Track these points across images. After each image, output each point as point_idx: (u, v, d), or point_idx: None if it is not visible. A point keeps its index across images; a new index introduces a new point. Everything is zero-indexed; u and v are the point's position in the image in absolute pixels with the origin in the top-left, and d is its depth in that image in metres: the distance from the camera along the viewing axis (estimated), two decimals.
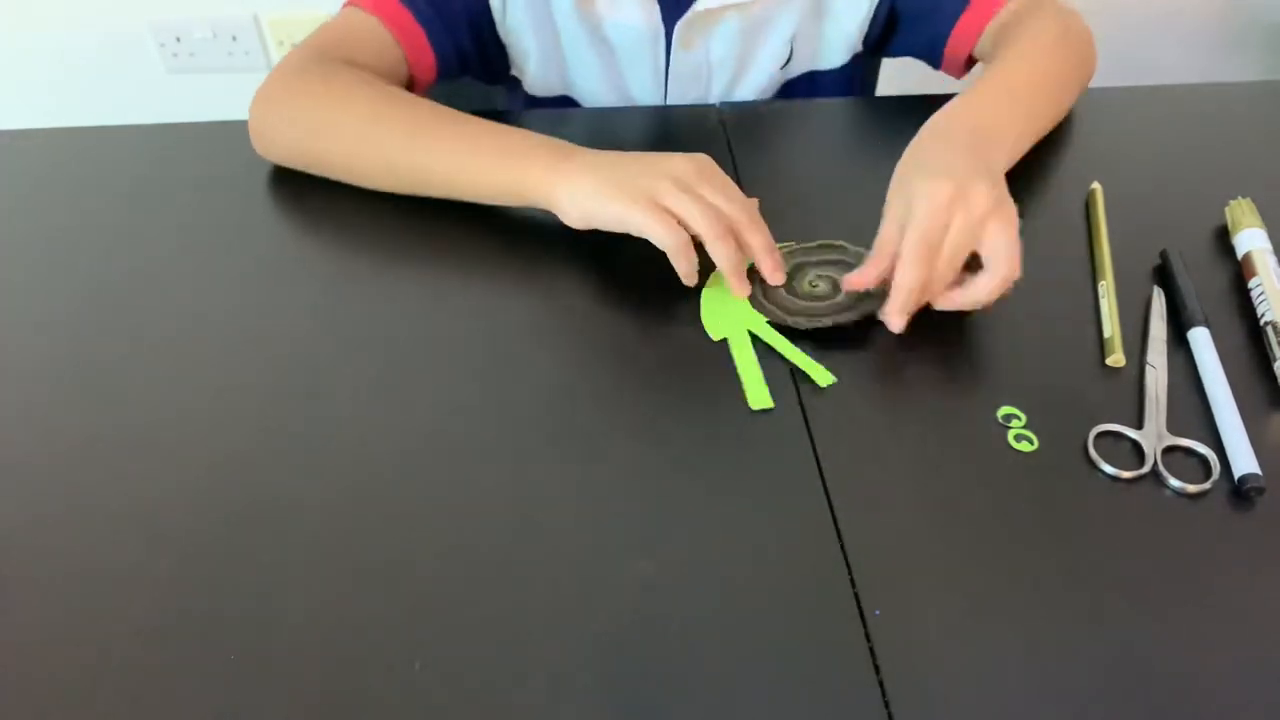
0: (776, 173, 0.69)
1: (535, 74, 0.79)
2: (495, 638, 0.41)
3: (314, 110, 0.65)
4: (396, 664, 0.40)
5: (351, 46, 0.69)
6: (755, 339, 0.54)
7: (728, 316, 0.56)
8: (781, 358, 0.53)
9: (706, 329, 0.55)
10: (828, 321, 0.54)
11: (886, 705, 0.38)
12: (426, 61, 0.72)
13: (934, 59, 0.80)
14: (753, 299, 0.57)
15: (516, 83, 0.82)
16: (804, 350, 0.53)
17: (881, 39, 0.82)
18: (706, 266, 0.55)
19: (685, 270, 0.55)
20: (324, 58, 0.67)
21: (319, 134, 0.65)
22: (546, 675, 0.39)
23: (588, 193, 0.57)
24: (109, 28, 1.43)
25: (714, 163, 0.57)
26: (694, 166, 0.56)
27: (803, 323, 0.55)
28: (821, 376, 0.52)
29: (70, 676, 0.39)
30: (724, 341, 0.54)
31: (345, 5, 0.72)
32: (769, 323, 0.55)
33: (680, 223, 0.54)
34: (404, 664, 0.40)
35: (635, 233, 0.55)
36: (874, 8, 0.78)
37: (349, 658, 0.40)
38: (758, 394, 0.51)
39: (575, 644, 0.40)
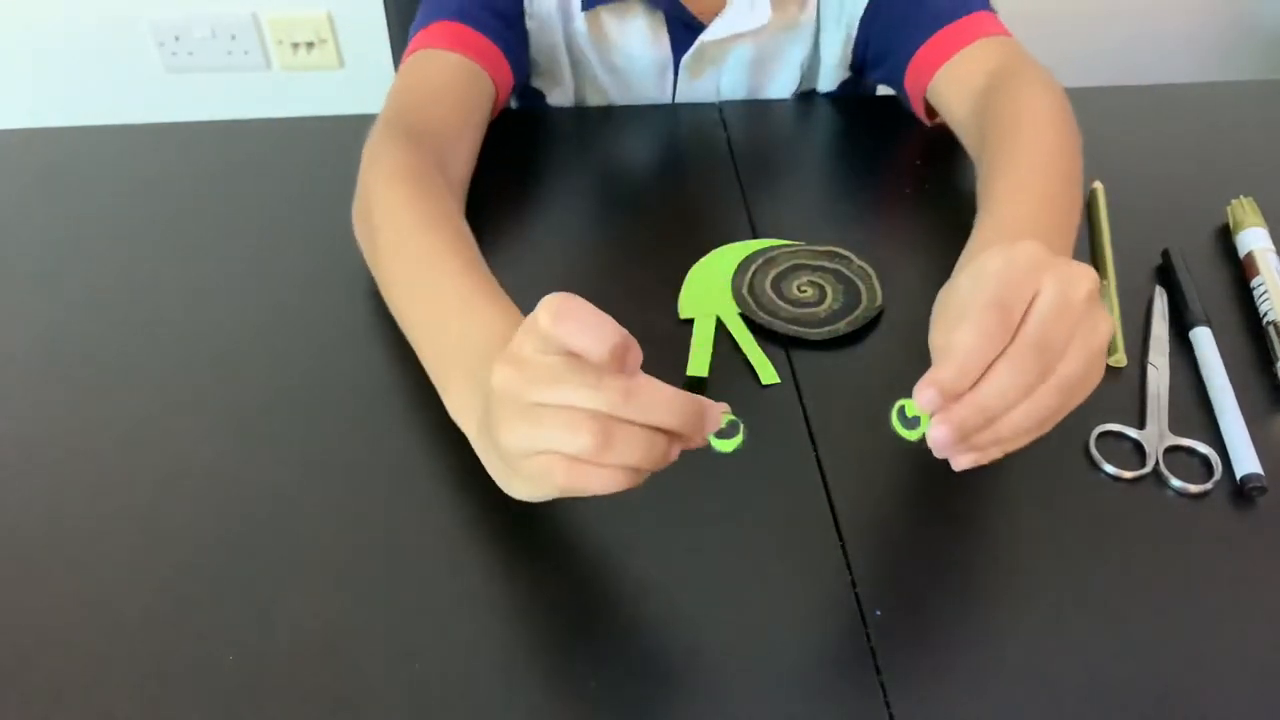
0: (777, 172, 0.69)
1: (556, 91, 0.80)
2: (495, 638, 0.41)
3: (368, 222, 0.56)
4: (396, 664, 0.40)
5: (436, 96, 0.65)
6: (720, 326, 0.55)
7: (704, 300, 0.56)
8: (738, 348, 0.54)
9: (679, 305, 0.56)
10: (816, 334, 0.54)
11: (887, 705, 0.38)
12: (507, 82, 0.71)
13: (900, 95, 0.75)
14: (736, 290, 0.57)
15: (537, 95, 0.82)
16: (764, 348, 0.54)
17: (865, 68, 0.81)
18: (700, 249, 0.55)
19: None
20: (409, 131, 0.60)
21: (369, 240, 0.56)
22: (546, 675, 0.39)
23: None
24: (109, 27, 1.43)
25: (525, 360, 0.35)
26: (517, 432, 0.35)
27: (779, 325, 0.54)
28: (767, 374, 0.52)
29: (70, 677, 0.39)
30: (720, 340, 0.54)
31: (412, 50, 0.68)
32: (740, 314, 0.55)
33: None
34: (404, 664, 0.40)
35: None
36: (850, 43, 0.77)
37: (348, 657, 0.40)
38: (698, 364, 0.52)
39: (575, 644, 0.40)
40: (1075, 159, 0.57)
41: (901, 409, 0.37)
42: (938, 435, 0.36)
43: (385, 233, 0.54)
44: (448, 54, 0.67)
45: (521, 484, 0.39)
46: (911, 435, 0.37)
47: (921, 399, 0.36)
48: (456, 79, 0.67)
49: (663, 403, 0.34)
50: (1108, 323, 0.38)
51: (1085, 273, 0.37)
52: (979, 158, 0.60)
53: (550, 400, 0.34)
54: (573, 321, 0.33)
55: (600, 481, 0.34)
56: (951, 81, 0.67)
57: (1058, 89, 0.61)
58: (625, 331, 0.33)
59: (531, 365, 0.35)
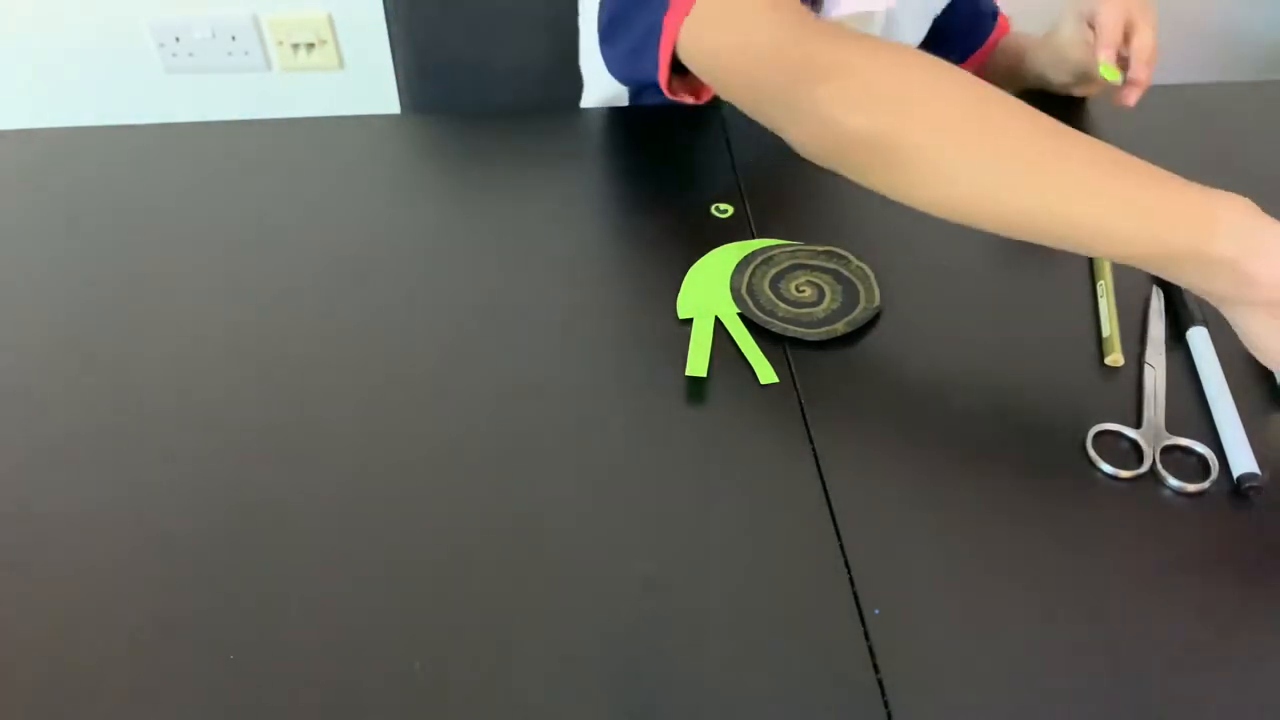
0: (777, 173, 0.69)
1: None
2: (495, 638, 0.41)
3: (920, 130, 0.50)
4: (396, 664, 0.40)
5: None
6: (719, 326, 0.55)
7: (702, 300, 0.56)
8: (737, 348, 0.54)
9: (678, 305, 0.56)
10: (814, 334, 0.54)
11: (886, 705, 0.38)
12: None
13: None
14: (734, 290, 0.57)
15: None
16: (763, 348, 0.54)
17: None
18: (700, 249, 0.55)
19: None
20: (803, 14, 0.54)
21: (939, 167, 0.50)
22: (546, 675, 0.39)
23: None
24: (108, 28, 1.43)
25: None
26: None
27: (777, 325, 0.55)
28: (765, 374, 0.52)
29: (69, 677, 0.39)
30: (717, 340, 0.54)
31: None
32: (739, 314, 0.56)
33: None
34: (404, 664, 0.40)
35: None
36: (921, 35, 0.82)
37: (349, 657, 0.40)
38: (697, 364, 0.52)
39: (575, 644, 0.40)
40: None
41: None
42: (1139, 75, 0.70)
43: (1034, 139, 0.50)
44: None
45: None
46: (1115, 75, 0.69)
47: (1104, 56, 0.69)
48: None
49: None
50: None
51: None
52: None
53: None
54: None
55: None
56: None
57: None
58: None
59: None
